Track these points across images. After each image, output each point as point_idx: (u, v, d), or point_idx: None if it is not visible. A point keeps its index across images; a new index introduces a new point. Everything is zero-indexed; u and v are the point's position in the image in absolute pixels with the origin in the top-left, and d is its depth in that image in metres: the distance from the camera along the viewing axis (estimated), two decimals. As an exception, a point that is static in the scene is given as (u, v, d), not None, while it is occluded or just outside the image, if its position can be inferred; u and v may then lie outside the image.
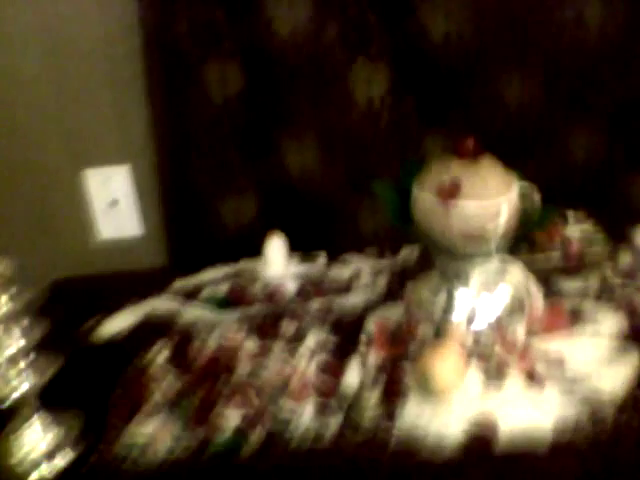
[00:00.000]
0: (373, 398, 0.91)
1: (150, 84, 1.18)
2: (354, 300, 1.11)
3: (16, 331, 0.82)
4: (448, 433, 0.85)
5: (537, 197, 0.95)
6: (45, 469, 0.85)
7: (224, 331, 1.06)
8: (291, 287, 1.15)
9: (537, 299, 1.00)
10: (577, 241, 1.14)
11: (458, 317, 0.96)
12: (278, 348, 1.01)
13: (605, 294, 1.07)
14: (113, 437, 0.88)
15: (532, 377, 0.92)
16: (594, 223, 1.16)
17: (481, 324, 0.96)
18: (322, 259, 1.23)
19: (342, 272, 1.19)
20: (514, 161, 0.93)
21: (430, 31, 1.14)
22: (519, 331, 0.97)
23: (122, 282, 1.23)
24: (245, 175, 1.24)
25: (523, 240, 0.96)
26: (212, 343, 1.04)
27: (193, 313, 1.12)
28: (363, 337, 1.02)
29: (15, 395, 0.82)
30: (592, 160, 1.22)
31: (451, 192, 0.90)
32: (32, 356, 0.84)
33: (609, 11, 1.12)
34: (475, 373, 0.92)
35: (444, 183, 0.90)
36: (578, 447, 0.82)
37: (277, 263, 1.17)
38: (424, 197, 0.92)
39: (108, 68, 1.19)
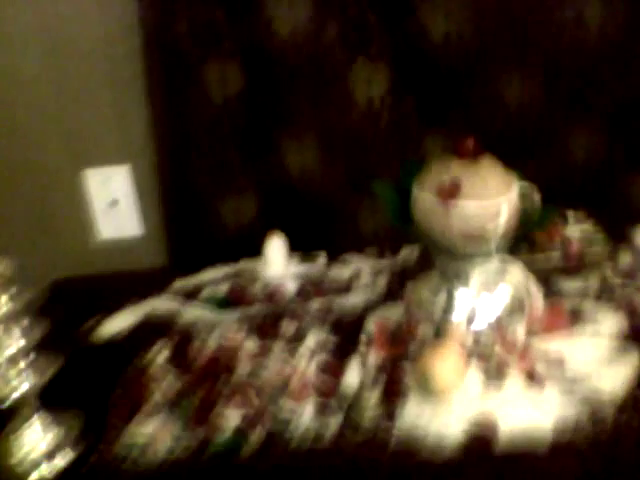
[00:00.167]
0: (373, 398, 0.91)
1: (150, 84, 1.18)
2: (354, 300, 1.11)
3: (16, 331, 0.82)
4: (448, 433, 0.85)
5: (537, 197, 0.95)
6: (45, 469, 0.85)
7: (224, 331, 1.06)
8: (291, 287, 1.15)
9: (537, 299, 1.00)
10: (577, 241, 1.14)
11: (458, 317, 0.96)
12: (278, 348, 1.01)
13: (605, 294, 1.07)
14: (113, 437, 0.88)
15: (532, 377, 0.92)
16: (594, 223, 1.16)
17: (481, 324, 0.96)
18: (322, 259, 1.23)
19: (342, 272, 1.19)
20: (514, 161, 0.93)
21: (430, 31, 1.14)
22: (519, 331, 0.97)
23: (122, 282, 1.23)
24: (245, 175, 1.24)
25: (523, 240, 0.96)
26: (212, 343, 1.04)
27: (193, 313, 1.12)
28: (363, 337, 1.02)
29: (15, 395, 0.82)
30: (592, 160, 1.22)
31: (451, 192, 0.90)
32: (32, 356, 0.84)
33: (609, 11, 1.12)
34: (475, 373, 0.92)
35: (444, 183, 0.90)
36: (578, 447, 0.82)
37: (277, 263, 1.17)
38: (424, 197, 0.92)
39: (108, 68, 1.19)
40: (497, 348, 0.95)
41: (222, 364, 0.99)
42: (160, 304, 1.15)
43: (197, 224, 1.27)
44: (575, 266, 1.12)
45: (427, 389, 0.89)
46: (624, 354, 0.95)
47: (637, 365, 0.93)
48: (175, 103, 1.19)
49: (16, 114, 1.21)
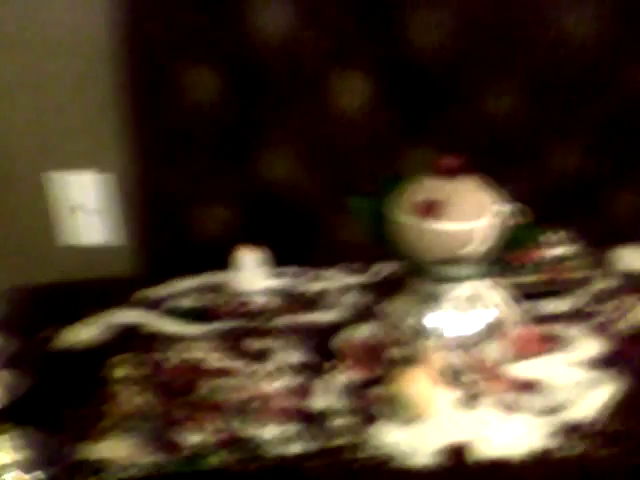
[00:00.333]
0: (341, 420, 0.88)
1: (124, 89, 1.16)
2: (325, 318, 1.09)
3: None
4: (418, 457, 0.83)
5: (517, 215, 0.94)
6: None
7: (189, 346, 1.03)
8: (260, 302, 1.13)
9: (512, 322, 0.98)
10: (555, 264, 1.13)
11: (431, 338, 0.94)
12: (245, 365, 0.98)
13: (581, 318, 1.05)
14: (67, 454, 0.85)
15: (505, 400, 0.90)
16: (574, 243, 1.14)
17: (454, 345, 0.94)
18: (295, 274, 1.21)
19: (315, 287, 1.17)
20: (497, 176, 0.92)
21: (415, 43, 1.13)
22: (493, 354, 0.95)
23: (84, 291, 1.20)
24: (219, 184, 1.22)
25: (501, 261, 0.95)
26: (175, 358, 1.01)
27: (157, 326, 1.09)
28: (334, 356, 0.99)
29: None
30: (575, 176, 1.22)
31: (429, 209, 0.88)
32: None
33: (595, 28, 1.12)
34: (447, 395, 0.90)
35: (422, 201, 0.88)
36: (550, 474, 0.81)
37: (248, 276, 1.14)
38: (401, 214, 0.90)
39: (79, 71, 1.17)
40: (470, 371, 0.93)
41: (185, 380, 0.96)
42: (124, 315, 1.11)
43: (168, 233, 1.25)
44: (551, 287, 1.10)
45: (398, 412, 0.87)
46: (599, 381, 0.93)
47: (612, 392, 0.91)
48: (148, 108, 1.17)
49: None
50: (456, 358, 0.94)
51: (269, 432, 0.87)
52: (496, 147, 1.19)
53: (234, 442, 0.85)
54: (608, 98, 1.17)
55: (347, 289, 1.16)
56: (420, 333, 0.94)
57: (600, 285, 1.12)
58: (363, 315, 1.07)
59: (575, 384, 0.93)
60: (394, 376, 0.89)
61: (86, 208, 1.26)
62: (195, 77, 1.15)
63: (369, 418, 0.88)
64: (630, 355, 0.97)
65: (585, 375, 0.94)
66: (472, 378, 0.93)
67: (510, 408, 0.89)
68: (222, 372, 0.97)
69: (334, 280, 1.19)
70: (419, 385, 0.87)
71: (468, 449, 0.83)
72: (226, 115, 1.18)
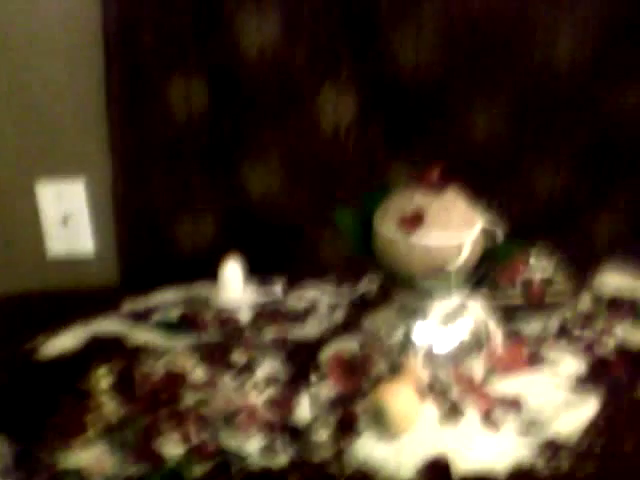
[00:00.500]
0: (325, 434, 0.88)
1: (110, 97, 1.15)
2: (310, 330, 1.08)
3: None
4: (401, 471, 0.82)
5: (500, 233, 0.94)
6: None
7: (173, 357, 1.02)
8: (245, 314, 1.12)
9: (496, 337, 0.98)
10: (538, 281, 1.13)
11: (415, 352, 0.94)
12: (228, 378, 0.98)
13: (565, 336, 1.05)
14: (48, 465, 0.83)
15: (489, 417, 0.89)
16: (556, 261, 1.15)
17: (438, 360, 0.94)
18: (279, 286, 1.20)
19: (299, 301, 1.17)
20: (479, 192, 0.92)
21: (399, 60, 1.13)
22: (477, 369, 0.95)
23: (69, 301, 1.19)
24: (204, 196, 1.22)
25: (484, 276, 0.95)
26: (159, 370, 1.00)
27: (142, 337, 1.08)
28: (317, 369, 0.99)
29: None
30: (556, 195, 1.22)
31: (413, 223, 0.88)
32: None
33: (579, 51, 1.13)
34: (431, 410, 0.90)
35: (407, 213, 0.89)
36: None
37: (232, 289, 1.14)
38: (386, 227, 0.90)
39: (69, 80, 1.17)
40: (454, 385, 0.93)
41: (168, 392, 0.95)
42: (107, 325, 1.11)
43: (152, 244, 1.24)
44: (535, 306, 1.11)
45: (381, 425, 0.87)
46: (582, 398, 0.93)
47: (595, 410, 0.91)
48: (135, 118, 1.16)
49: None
50: (440, 373, 0.93)
51: (253, 444, 0.86)
52: (478, 164, 1.19)
53: (218, 454, 0.85)
54: (592, 118, 1.18)
55: (331, 303, 1.15)
56: (405, 347, 0.94)
57: (584, 305, 1.12)
58: (347, 329, 1.07)
59: (559, 403, 0.92)
60: (378, 390, 0.89)
61: (70, 218, 1.25)
62: (184, 88, 1.15)
63: (353, 432, 0.88)
64: (614, 374, 0.97)
65: (569, 394, 0.94)
66: (456, 393, 0.92)
67: (494, 424, 0.88)
68: (206, 384, 0.96)
69: (318, 294, 1.18)
70: (403, 399, 0.87)
71: (452, 464, 0.83)
72: (211, 128, 1.18)
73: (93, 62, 1.14)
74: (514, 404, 0.91)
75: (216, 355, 1.02)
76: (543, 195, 1.22)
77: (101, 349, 1.05)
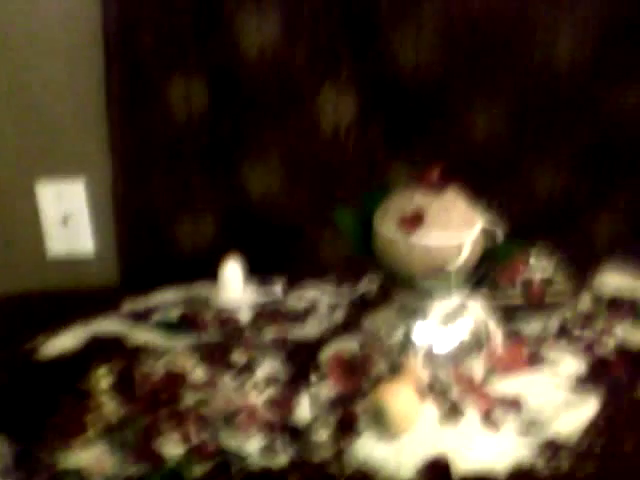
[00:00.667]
0: (325, 434, 0.88)
1: (110, 98, 1.15)
2: (310, 330, 1.08)
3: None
4: (401, 471, 0.82)
5: (500, 233, 0.94)
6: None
7: (173, 357, 1.02)
8: (246, 314, 1.12)
9: (496, 337, 0.98)
10: (538, 281, 1.13)
11: (415, 352, 0.94)
12: (228, 378, 0.98)
13: (565, 336, 1.05)
14: (48, 465, 0.83)
15: (489, 417, 0.89)
16: (556, 261, 1.15)
17: (438, 360, 0.94)
18: (280, 286, 1.20)
19: (299, 301, 1.16)
20: (478, 194, 0.92)
21: (400, 60, 1.13)
22: (477, 369, 0.95)
23: (70, 301, 1.19)
24: (204, 196, 1.22)
25: (484, 276, 0.95)
26: (159, 369, 1.00)
27: (142, 337, 1.08)
28: (317, 369, 0.99)
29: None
30: (556, 195, 1.22)
31: (413, 223, 0.88)
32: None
33: (579, 51, 1.13)
34: (431, 410, 0.90)
35: (407, 213, 0.89)
36: None
37: (232, 288, 1.14)
38: (386, 227, 0.90)
39: (69, 79, 1.17)
40: (454, 385, 0.93)
41: (169, 392, 0.95)
42: (107, 325, 1.11)
43: (152, 244, 1.24)
44: (536, 306, 1.11)
45: (381, 425, 0.87)
46: (582, 398, 0.93)
47: (595, 410, 0.91)
48: (135, 118, 1.16)
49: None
50: (440, 373, 0.93)
51: (253, 444, 0.86)
52: (478, 164, 1.19)
53: (218, 454, 0.85)
54: (592, 118, 1.18)
55: (331, 303, 1.15)
56: (405, 347, 0.94)
57: (584, 305, 1.12)
58: (347, 329, 1.07)
59: (559, 403, 0.92)
60: (378, 390, 0.89)
61: (70, 218, 1.25)
62: (184, 88, 1.15)
63: (353, 432, 0.88)
64: (614, 375, 0.97)
65: (569, 394, 0.94)
66: (456, 393, 0.92)
67: (494, 424, 0.88)
68: (206, 384, 0.96)
69: (318, 294, 1.18)
70: (403, 399, 0.87)
71: (452, 464, 0.83)
72: (211, 128, 1.18)
73: (93, 62, 1.14)
74: (514, 404, 0.91)
75: (216, 355, 1.02)
76: (543, 195, 1.22)
77: (101, 349, 1.05)
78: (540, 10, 1.12)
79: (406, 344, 0.94)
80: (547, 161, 1.20)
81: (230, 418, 0.90)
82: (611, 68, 1.14)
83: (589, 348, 1.02)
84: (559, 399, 0.93)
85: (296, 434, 0.88)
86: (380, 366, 0.96)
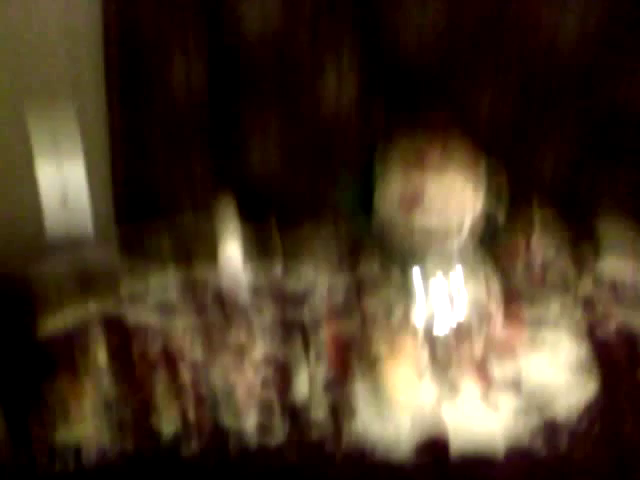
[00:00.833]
0: (322, 412, 0.88)
1: (110, 79, 1.15)
2: (308, 312, 1.08)
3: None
4: (399, 445, 0.83)
5: (501, 214, 0.94)
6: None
7: (171, 336, 1.02)
8: (244, 295, 1.12)
9: (497, 316, 0.98)
10: (539, 264, 1.12)
11: (414, 332, 0.93)
12: (225, 357, 0.98)
13: (565, 319, 1.05)
14: (44, 439, 0.84)
15: (487, 396, 0.90)
16: (558, 244, 1.14)
17: (438, 340, 0.94)
18: (278, 268, 1.20)
19: (298, 282, 1.16)
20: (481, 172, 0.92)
21: (403, 41, 1.12)
22: (476, 349, 0.95)
23: (68, 281, 1.19)
24: (206, 175, 1.21)
25: (486, 254, 0.94)
26: (156, 348, 1.00)
27: (139, 316, 1.07)
28: (316, 349, 0.99)
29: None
30: (559, 175, 1.21)
31: (413, 203, 0.88)
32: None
33: (584, 29, 1.12)
34: (430, 389, 0.90)
35: (406, 194, 0.88)
36: (529, 469, 0.82)
37: (231, 270, 1.13)
38: (386, 207, 0.90)
39: (68, 62, 1.16)
40: (453, 365, 0.93)
41: (165, 370, 0.95)
42: (106, 305, 1.10)
43: (152, 225, 1.24)
44: (537, 288, 1.10)
45: (380, 404, 0.87)
46: (582, 380, 0.93)
47: (592, 392, 0.91)
48: (136, 98, 1.16)
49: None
50: (439, 353, 0.93)
51: (250, 422, 0.86)
52: (482, 142, 1.18)
53: (215, 431, 0.85)
54: (598, 95, 1.17)
55: (332, 284, 1.15)
56: (403, 327, 0.94)
57: (585, 288, 1.12)
58: (347, 309, 1.07)
59: (559, 384, 0.92)
60: (377, 370, 0.89)
61: (70, 199, 1.25)
62: (182, 71, 1.14)
63: (351, 411, 0.88)
64: (614, 358, 0.97)
65: (569, 376, 0.94)
66: (455, 373, 0.92)
67: (493, 404, 0.89)
68: (205, 363, 0.96)
69: (318, 275, 1.18)
70: (402, 378, 0.87)
71: (450, 442, 0.83)
72: (212, 109, 1.17)
73: (93, 43, 1.13)
74: (513, 385, 0.91)
75: (215, 335, 1.02)
76: (547, 174, 1.21)
77: (101, 328, 1.05)
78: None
79: (405, 324, 0.94)
80: (551, 140, 1.19)
81: (228, 396, 0.90)
82: (617, 44, 1.13)
83: (590, 331, 1.02)
84: (559, 381, 0.93)
85: (294, 412, 0.88)
86: (379, 346, 0.95)
